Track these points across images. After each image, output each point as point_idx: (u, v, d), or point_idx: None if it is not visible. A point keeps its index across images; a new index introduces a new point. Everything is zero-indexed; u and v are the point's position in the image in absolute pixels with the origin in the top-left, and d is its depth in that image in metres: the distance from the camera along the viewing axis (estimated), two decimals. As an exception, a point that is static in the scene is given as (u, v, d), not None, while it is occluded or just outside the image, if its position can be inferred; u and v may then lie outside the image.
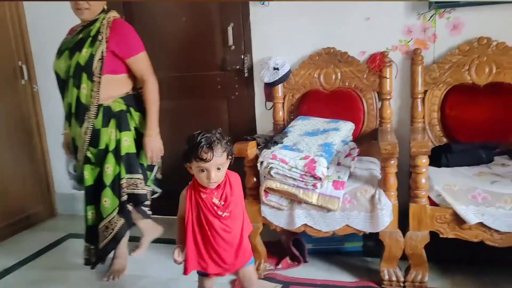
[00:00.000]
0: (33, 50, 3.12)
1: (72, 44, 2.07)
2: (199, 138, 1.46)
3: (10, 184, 2.97)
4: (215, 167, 1.48)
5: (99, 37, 2.02)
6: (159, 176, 2.43)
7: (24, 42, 3.09)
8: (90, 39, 2.02)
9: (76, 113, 2.08)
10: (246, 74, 2.72)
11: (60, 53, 2.11)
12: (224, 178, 1.55)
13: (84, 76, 2.03)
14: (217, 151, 1.46)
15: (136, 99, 2.20)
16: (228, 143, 1.52)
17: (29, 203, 3.15)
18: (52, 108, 3.11)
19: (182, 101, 2.93)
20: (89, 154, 2.11)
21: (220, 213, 1.54)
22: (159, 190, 2.43)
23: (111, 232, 2.13)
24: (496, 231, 1.81)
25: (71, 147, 2.21)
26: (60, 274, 2.34)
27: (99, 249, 2.16)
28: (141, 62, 2.13)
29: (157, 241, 2.72)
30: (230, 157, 1.54)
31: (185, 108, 2.95)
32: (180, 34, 2.84)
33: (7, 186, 2.95)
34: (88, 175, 2.13)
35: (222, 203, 1.55)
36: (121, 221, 2.15)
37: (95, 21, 2.06)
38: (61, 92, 2.14)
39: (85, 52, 2.01)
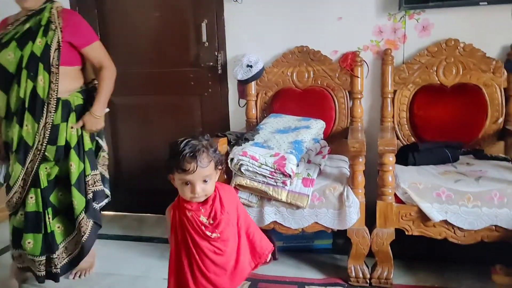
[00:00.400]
0: None
1: (19, 35, 1.91)
2: (181, 145, 1.28)
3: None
4: (201, 179, 1.30)
5: (52, 26, 1.92)
6: (106, 175, 2.29)
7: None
8: (42, 28, 1.91)
9: (31, 108, 1.91)
10: (219, 71, 2.71)
11: (3, 45, 1.92)
12: (214, 192, 1.37)
13: (41, 67, 1.89)
14: (203, 161, 1.28)
15: (90, 94, 2.12)
16: (217, 151, 1.36)
17: None
18: None
19: (155, 97, 2.91)
20: (47, 153, 1.97)
21: (208, 233, 1.34)
22: (109, 193, 2.28)
23: (81, 240, 2.05)
24: (459, 228, 1.85)
25: (3, 152, 2.05)
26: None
27: (61, 263, 2.06)
28: (98, 49, 2.07)
29: (125, 238, 2.70)
30: (219, 167, 1.36)
31: (158, 105, 2.92)
32: (154, 30, 2.81)
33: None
34: (43, 176, 1.99)
35: (211, 221, 1.35)
36: (89, 226, 2.07)
37: (41, 10, 1.95)
38: (3, 87, 1.94)
39: (39, 42, 1.89)
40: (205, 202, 1.36)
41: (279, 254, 2.32)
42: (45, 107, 1.93)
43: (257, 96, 2.60)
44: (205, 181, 1.31)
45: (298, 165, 2.03)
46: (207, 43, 2.69)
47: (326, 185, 2.01)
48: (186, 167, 1.27)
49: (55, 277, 2.05)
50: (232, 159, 2.02)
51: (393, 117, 2.41)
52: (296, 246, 2.39)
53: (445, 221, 1.86)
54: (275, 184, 1.98)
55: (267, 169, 1.96)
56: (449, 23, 2.32)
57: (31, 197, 1.98)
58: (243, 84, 2.60)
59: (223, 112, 2.78)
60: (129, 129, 2.99)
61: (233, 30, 2.65)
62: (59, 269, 2.04)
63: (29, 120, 1.93)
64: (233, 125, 2.74)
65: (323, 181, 2.04)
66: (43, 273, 2.03)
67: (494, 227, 1.81)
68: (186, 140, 1.31)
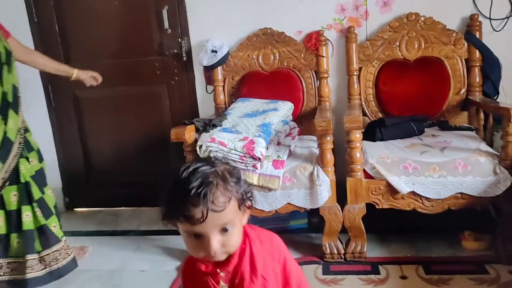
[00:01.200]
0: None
1: None
2: (185, 176, 0.86)
3: None
4: (217, 228, 0.87)
5: None
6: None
7: None
8: None
9: (14, 102, 1.92)
10: (184, 58, 2.67)
11: None
12: (241, 244, 0.94)
13: (12, 62, 1.93)
14: (217, 200, 0.85)
15: None
16: (241, 181, 0.92)
17: None
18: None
19: (120, 88, 2.84)
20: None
21: None
22: None
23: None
24: (427, 198, 1.90)
25: None
26: None
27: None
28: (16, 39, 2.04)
29: (100, 233, 2.67)
30: (246, 204, 0.94)
31: (125, 96, 2.87)
32: (114, 19, 2.73)
33: None
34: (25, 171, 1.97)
35: None
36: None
37: None
38: None
39: None
40: (226, 261, 0.93)
41: (256, 237, 2.33)
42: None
43: (224, 81, 2.58)
44: (224, 229, 0.87)
45: (267, 148, 2.03)
46: (169, 30, 2.64)
47: (297, 165, 2.02)
48: (191, 212, 0.83)
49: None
50: (200, 146, 2.00)
51: (359, 95, 2.43)
52: (272, 228, 2.37)
53: (413, 193, 1.90)
54: (245, 168, 1.98)
55: (236, 154, 1.95)
56: (409, -3, 2.34)
57: (14, 195, 1.95)
58: (209, 70, 2.57)
59: (191, 100, 2.75)
60: (98, 123, 2.93)
61: (195, 16, 2.61)
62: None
63: (12, 115, 1.90)
64: (202, 112, 2.71)
65: (293, 162, 2.05)
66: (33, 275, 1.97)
67: (459, 194, 1.86)
68: (193, 168, 0.87)
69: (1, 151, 1.87)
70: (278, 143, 2.17)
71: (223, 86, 2.59)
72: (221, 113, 2.49)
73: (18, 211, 1.95)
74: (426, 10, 2.32)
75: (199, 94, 2.72)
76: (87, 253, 2.33)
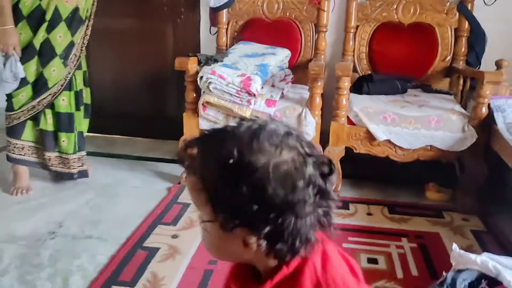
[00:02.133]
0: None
1: None
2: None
3: None
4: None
5: None
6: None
7: None
8: None
9: (79, 20, 2.14)
10: (192, -2, 2.78)
11: None
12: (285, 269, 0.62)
13: None
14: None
15: None
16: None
17: None
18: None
19: (128, 20, 2.95)
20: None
21: None
22: None
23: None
24: (400, 148, 2.10)
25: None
26: None
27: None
28: None
29: (96, 154, 2.81)
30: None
31: (130, 29, 2.98)
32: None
33: None
34: (79, 81, 2.27)
35: None
36: None
37: None
38: None
39: None
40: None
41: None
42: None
43: (228, 24, 2.70)
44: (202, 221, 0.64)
45: (262, 87, 2.19)
46: (182, -32, 2.73)
47: (287, 106, 2.20)
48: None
49: (86, 174, 2.35)
50: (201, 77, 2.16)
51: (353, 51, 2.58)
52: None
53: (388, 141, 2.10)
54: (240, 102, 2.14)
55: (233, 88, 2.11)
56: (412, -37, 2.47)
57: (63, 100, 2.19)
58: (215, 12, 2.69)
59: (194, 39, 2.87)
60: (102, 52, 3.04)
61: (207, -43, 2.70)
62: (86, 166, 2.35)
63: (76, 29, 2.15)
64: (204, 52, 2.82)
65: (284, 103, 2.23)
66: (77, 170, 2.30)
67: (429, 147, 2.08)
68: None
69: (65, 59, 2.13)
70: (273, 85, 2.34)
71: (227, 29, 2.71)
72: (222, 53, 2.63)
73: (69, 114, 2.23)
74: (426, -23, 2.45)
75: (203, 34, 2.85)
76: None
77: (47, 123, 2.20)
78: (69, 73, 2.19)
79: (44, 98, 2.14)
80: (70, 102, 2.23)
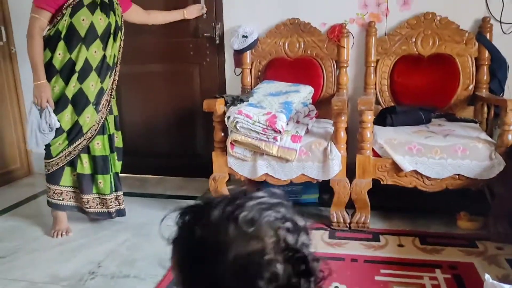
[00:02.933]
0: (11, 12, 3.22)
1: (98, 3, 2.20)
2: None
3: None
4: None
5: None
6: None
7: (2, 4, 3.19)
8: (110, 4, 2.26)
9: (111, 67, 2.31)
10: (217, 41, 2.93)
11: (92, 7, 2.18)
12: None
13: (119, 35, 2.31)
14: None
15: None
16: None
17: (8, 161, 3.29)
18: (29, 70, 3.22)
19: (156, 65, 3.12)
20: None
21: None
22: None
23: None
24: (427, 177, 2.11)
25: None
26: (39, 221, 2.51)
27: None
28: None
29: (128, 194, 2.92)
30: None
31: (159, 73, 3.14)
32: (159, 4, 2.99)
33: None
34: (111, 124, 2.40)
35: None
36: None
37: None
38: (86, 43, 2.19)
39: (113, 14, 2.27)
40: None
41: (270, 206, 2.57)
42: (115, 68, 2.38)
43: (251, 65, 2.82)
44: None
45: (287, 124, 2.27)
46: (205, 15, 2.89)
47: (312, 141, 2.26)
48: None
49: (123, 213, 2.45)
50: (229, 117, 2.25)
51: (375, 85, 2.64)
52: (286, 200, 2.64)
53: (415, 171, 2.12)
54: (267, 139, 2.22)
55: (260, 126, 2.20)
56: (428, -2, 2.55)
57: (97, 143, 2.32)
58: (239, 54, 2.82)
59: (220, 80, 3.00)
60: (133, 96, 3.21)
61: (230, 3, 2.86)
62: (123, 205, 2.45)
63: (107, 78, 2.31)
64: (229, 92, 2.96)
65: (309, 138, 2.29)
66: (115, 209, 2.40)
67: (457, 176, 2.08)
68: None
69: (97, 105, 2.28)
70: (297, 122, 2.41)
71: (250, 69, 2.83)
72: (247, 93, 2.74)
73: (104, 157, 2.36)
74: (442, 10, 2.52)
75: (228, 75, 2.98)
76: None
77: (84, 167, 2.32)
78: (102, 118, 2.32)
79: (79, 144, 2.27)
80: (104, 145, 2.36)
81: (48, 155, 2.28)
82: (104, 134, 2.36)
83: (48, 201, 2.35)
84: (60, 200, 2.34)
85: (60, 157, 2.27)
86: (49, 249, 2.19)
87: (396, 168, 2.14)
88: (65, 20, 2.15)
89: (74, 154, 2.29)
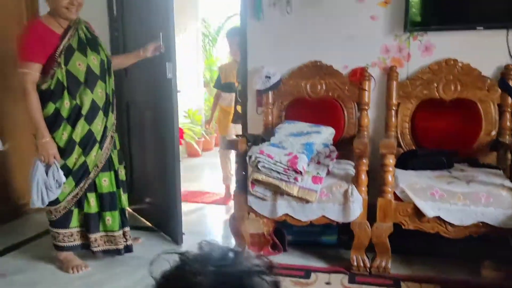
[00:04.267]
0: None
1: (85, 42, 2.22)
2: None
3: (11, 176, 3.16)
4: None
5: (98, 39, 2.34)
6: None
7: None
8: (95, 40, 2.30)
9: (112, 102, 2.33)
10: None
11: (83, 49, 2.19)
12: None
13: (111, 68, 2.34)
14: None
15: None
16: None
17: (20, 194, 3.19)
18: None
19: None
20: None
21: None
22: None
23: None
24: (450, 224, 2.08)
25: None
26: (51, 258, 2.46)
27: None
28: None
29: (147, 229, 2.93)
30: None
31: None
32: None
33: (11, 176, 3.16)
34: (115, 160, 2.41)
35: None
36: None
37: (77, 22, 2.22)
38: (88, 86, 2.20)
39: (101, 49, 2.31)
40: None
41: (289, 247, 2.56)
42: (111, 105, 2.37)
43: (273, 105, 2.88)
44: None
45: (308, 164, 2.29)
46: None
47: (333, 183, 2.26)
48: None
49: (131, 249, 2.43)
50: (250, 157, 2.28)
51: (396, 127, 2.66)
52: (304, 240, 2.62)
53: (438, 217, 2.09)
54: (287, 180, 2.24)
55: (281, 166, 2.22)
56: (449, 44, 2.58)
57: (104, 180, 2.32)
58: (261, 94, 2.88)
59: (242, 119, 3.06)
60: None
61: (254, 45, 2.95)
62: (130, 242, 2.45)
63: (110, 114, 2.34)
64: (251, 130, 3.00)
65: (330, 179, 2.30)
66: (123, 245, 2.40)
67: (481, 223, 2.05)
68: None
69: (102, 142, 2.29)
70: (318, 162, 2.42)
71: (272, 109, 2.88)
72: (268, 132, 2.78)
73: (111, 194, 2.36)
74: (464, 57, 2.55)
75: (250, 114, 3.03)
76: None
77: (91, 206, 2.30)
78: (107, 154, 2.33)
79: (85, 183, 2.26)
80: (111, 181, 2.35)
81: (54, 201, 2.22)
82: (110, 170, 2.36)
83: (56, 245, 2.32)
84: (71, 241, 2.31)
85: (67, 200, 2.25)
86: (71, 283, 2.21)
87: (418, 213, 2.12)
88: (62, 69, 2.12)
89: (80, 195, 2.27)
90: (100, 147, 2.28)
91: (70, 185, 2.23)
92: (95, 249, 2.35)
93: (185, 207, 2.94)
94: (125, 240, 2.41)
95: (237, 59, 3.23)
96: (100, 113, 2.26)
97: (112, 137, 2.36)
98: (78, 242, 2.34)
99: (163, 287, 0.61)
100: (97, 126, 2.26)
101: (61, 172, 2.16)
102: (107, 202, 2.33)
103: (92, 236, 2.32)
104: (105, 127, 2.31)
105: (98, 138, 2.27)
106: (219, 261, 0.61)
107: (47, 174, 2.14)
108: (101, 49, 2.31)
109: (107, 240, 2.37)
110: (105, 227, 2.35)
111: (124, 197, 2.46)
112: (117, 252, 2.40)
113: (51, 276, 2.28)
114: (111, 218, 2.34)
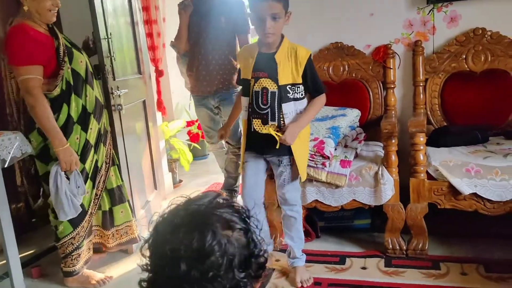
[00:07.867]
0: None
1: (70, 42, 2.14)
2: None
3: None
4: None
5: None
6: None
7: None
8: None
9: (103, 104, 2.30)
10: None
11: (75, 48, 2.15)
12: None
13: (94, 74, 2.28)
14: None
15: None
16: None
17: None
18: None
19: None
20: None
21: None
22: None
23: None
24: (489, 200, 2.00)
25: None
26: None
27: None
28: None
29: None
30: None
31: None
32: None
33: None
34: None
35: None
36: None
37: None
38: (89, 83, 2.16)
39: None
40: None
41: (321, 233, 2.52)
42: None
43: (296, 90, 2.82)
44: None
45: (336, 149, 2.23)
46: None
47: (362, 165, 2.20)
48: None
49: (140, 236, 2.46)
50: (276, 144, 2.25)
51: (425, 104, 2.56)
52: (337, 226, 2.58)
53: (475, 194, 2.01)
54: (315, 165, 2.19)
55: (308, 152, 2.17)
56: (476, 13, 2.46)
57: (112, 175, 2.36)
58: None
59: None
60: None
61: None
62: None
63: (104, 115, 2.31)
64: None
65: (359, 162, 2.24)
66: (137, 232, 2.45)
67: (521, 198, 1.95)
68: None
69: (106, 137, 2.32)
70: (346, 146, 2.37)
71: (295, 95, 2.82)
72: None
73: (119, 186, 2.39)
74: (492, 25, 2.42)
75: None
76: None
77: (105, 203, 2.34)
78: (110, 149, 2.34)
79: (99, 182, 2.25)
80: (117, 174, 2.38)
81: (75, 221, 2.13)
82: (114, 164, 2.37)
83: (66, 272, 2.19)
84: (83, 261, 2.23)
85: (90, 205, 2.21)
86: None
87: (454, 191, 2.04)
88: (68, 68, 2.05)
89: (99, 194, 2.27)
90: (104, 143, 2.29)
91: (89, 187, 2.19)
92: (110, 245, 2.39)
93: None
94: (136, 226, 2.47)
95: None
96: (105, 111, 2.31)
97: (109, 134, 2.37)
98: (89, 254, 2.30)
99: (159, 222, 0.79)
100: (103, 123, 2.29)
101: (81, 178, 2.10)
102: (117, 195, 2.36)
103: (109, 232, 2.38)
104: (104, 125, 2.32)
105: (102, 133, 2.28)
106: (199, 201, 0.79)
107: (69, 181, 2.05)
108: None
109: (124, 232, 2.41)
110: (120, 220, 2.39)
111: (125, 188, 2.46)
112: (135, 240, 2.44)
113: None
114: (124, 210, 2.39)
